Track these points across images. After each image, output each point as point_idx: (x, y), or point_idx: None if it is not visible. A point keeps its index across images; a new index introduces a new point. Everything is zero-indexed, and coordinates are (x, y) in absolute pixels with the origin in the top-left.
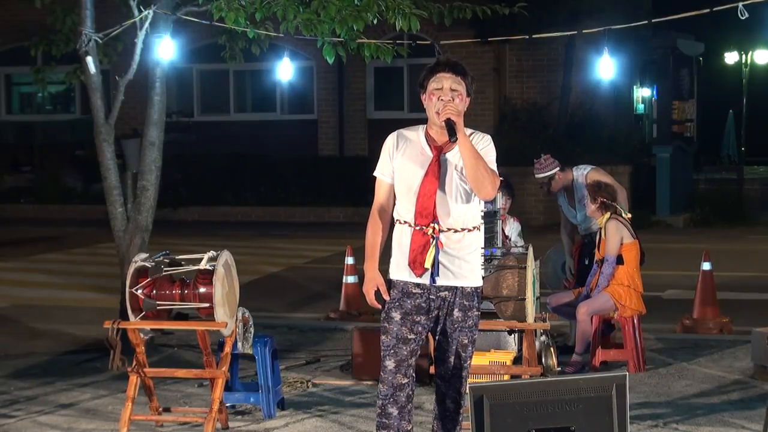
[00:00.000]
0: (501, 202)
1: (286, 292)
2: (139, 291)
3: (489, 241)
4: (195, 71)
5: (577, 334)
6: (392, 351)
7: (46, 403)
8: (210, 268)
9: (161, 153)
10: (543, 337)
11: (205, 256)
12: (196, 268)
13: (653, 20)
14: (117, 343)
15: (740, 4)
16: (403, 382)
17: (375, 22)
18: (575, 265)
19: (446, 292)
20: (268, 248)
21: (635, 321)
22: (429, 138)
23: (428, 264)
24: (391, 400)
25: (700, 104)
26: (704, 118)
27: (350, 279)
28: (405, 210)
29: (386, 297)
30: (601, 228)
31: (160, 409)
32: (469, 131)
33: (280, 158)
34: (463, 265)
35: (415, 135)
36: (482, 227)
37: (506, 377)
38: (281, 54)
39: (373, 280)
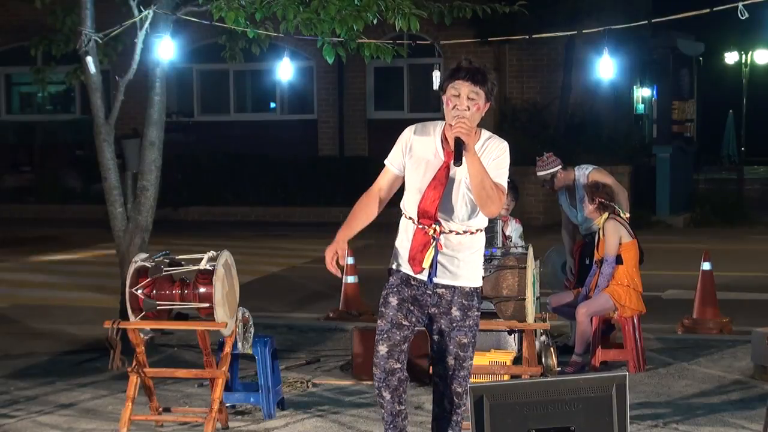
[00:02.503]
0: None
1: (286, 292)
2: (139, 291)
3: (489, 241)
4: (195, 71)
5: (576, 334)
6: (386, 335)
7: (46, 403)
8: (210, 268)
9: (161, 153)
10: (543, 337)
11: (205, 256)
12: (196, 268)
13: (653, 20)
14: (117, 343)
15: (740, 4)
16: (395, 367)
17: (375, 22)
18: (576, 265)
19: (443, 290)
20: (268, 248)
21: (635, 321)
22: (444, 141)
23: (426, 264)
24: (384, 384)
25: (700, 104)
26: (704, 118)
27: (350, 279)
28: (410, 206)
29: (342, 261)
30: (600, 228)
31: (160, 409)
32: (486, 135)
33: (280, 158)
34: (462, 265)
35: (432, 135)
36: (483, 231)
37: (506, 377)
38: (281, 54)
39: (336, 244)
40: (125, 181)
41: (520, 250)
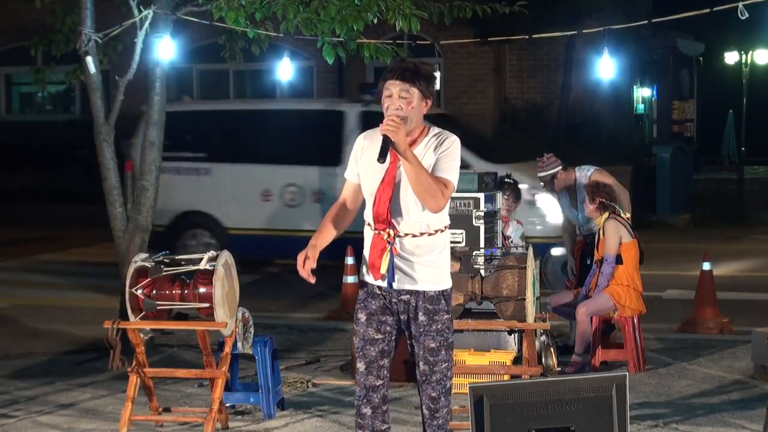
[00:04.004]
0: (503, 203)
1: (286, 292)
2: (139, 291)
3: (489, 241)
4: (195, 71)
5: (576, 334)
6: (361, 353)
7: (46, 403)
8: (210, 268)
9: (161, 153)
10: (543, 337)
11: (205, 256)
12: (196, 268)
13: (653, 20)
14: (117, 343)
15: (740, 4)
16: (376, 383)
17: (375, 22)
18: (577, 266)
19: (408, 296)
20: None
21: (635, 321)
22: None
23: (384, 270)
24: (364, 400)
25: (700, 104)
26: (704, 118)
27: (350, 279)
28: (367, 212)
29: (312, 265)
30: (600, 228)
31: (160, 409)
32: (435, 131)
33: None
34: (423, 269)
35: (378, 137)
36: (447, 231)
37: (506, 377)
38: (281, 54)
39: (307, 248)
40: (125, 181)
41: (520, 250)
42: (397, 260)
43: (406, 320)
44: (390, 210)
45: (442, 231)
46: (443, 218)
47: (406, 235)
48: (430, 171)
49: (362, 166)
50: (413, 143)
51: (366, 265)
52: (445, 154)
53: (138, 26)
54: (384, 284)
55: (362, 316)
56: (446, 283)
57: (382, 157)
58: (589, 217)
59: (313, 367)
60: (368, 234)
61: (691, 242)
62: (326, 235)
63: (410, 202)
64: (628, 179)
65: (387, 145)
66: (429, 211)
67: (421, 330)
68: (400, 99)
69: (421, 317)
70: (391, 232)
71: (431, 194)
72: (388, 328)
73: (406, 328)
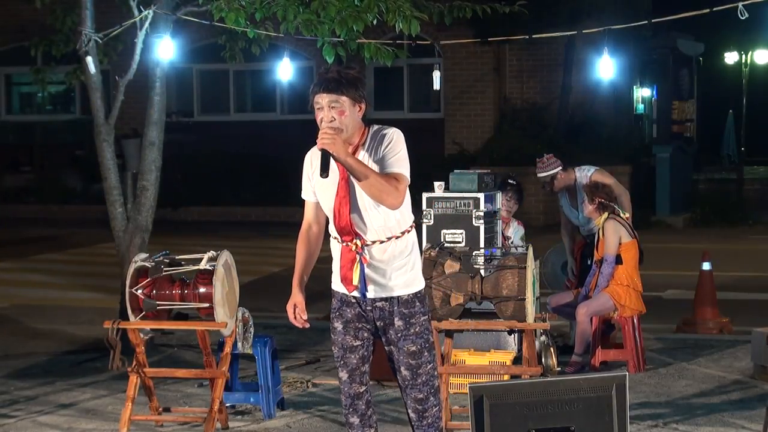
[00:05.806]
0: (504, 203)
1: (286, 292)
2: (139, 291)
3: (489, 241)
4: (195, 71)
5: (576, 334)
6: (342, 362)
7: (46, 403)
8: (210, 268)
9: (161, 153)
10: (543, 337)
11: (205, 256)
12: (196, 268)
13: (653, 20)
14: (117, 343)
15: (740, 4)
16: (360, 390)
17: (375, 22)
18: (577, 266)
19: (383, 303)
20: (268, 248)
21: (635, 321)
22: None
23: (356, 281)
24: (351, 409)
25: (700, 104)
26: (704, 118)
27: None
28: (331, 227)
29: (304, 316)
30: (599, 228)
31: (160, 409)
32: (374, 128)
33: (280, 158)
34: (394, 275)
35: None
36: (413, 230)
37: (506, 377)
38: (281, 54)
39: (293, 298)
40: (125, 181)
41: (520, 250)
42: (368, 270)
43: (382, 326)
44: (352, 221)
45: (408, 231)
46: (407, 218)
47: (374, 242)
48: (379, 170)
49: (316, 184)
50: (355, 149)
51: (338, 276)
52: (389, 148)
53: (138, 26)
54: (357, 294)
55: (338, 325)
56: (419, 285)
57: (324, 172)
58: (589, 217)
59: (313, 367)
60: (336, 247)
61: (691, 242)
62: (302, 272)
63: (369, 208)
64: (627, 179)
65: (327, 159)
66: (389, 210)
67: (399, 335)
68: (331, 110)
69: (398, 322)
70: (359, 242)
71: (386, 192)
72: (366, 334)
73: (383, 334)
